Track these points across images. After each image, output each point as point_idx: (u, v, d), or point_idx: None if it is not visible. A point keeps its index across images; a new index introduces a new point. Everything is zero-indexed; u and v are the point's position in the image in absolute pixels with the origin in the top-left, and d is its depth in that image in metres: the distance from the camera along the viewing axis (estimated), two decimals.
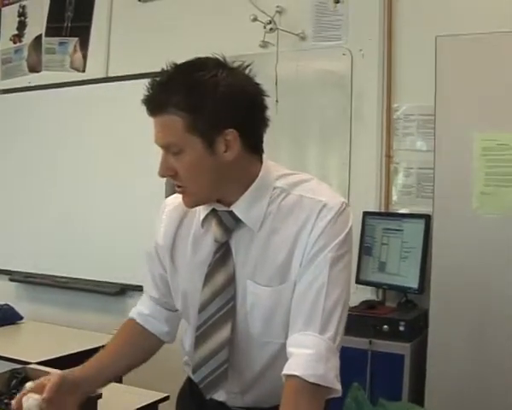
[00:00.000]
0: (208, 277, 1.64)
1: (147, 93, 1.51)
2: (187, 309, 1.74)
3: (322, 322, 1.50)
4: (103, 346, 3.20)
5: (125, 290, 4.36)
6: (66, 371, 1.66)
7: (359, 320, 3.24)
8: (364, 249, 3.59)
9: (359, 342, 3.16)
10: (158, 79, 1.51)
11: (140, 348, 1.85)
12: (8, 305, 3.89)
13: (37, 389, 1.56)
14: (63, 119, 4.81)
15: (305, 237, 1.55)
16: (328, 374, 1.47)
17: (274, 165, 1.66)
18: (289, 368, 1.48)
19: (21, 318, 3.91)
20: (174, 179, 1.55)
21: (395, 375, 3.09)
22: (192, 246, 1.69)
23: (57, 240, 4.76)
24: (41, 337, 3.63)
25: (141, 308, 1.87)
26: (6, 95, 5.19)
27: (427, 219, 3.30)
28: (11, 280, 5.01)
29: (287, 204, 1.59)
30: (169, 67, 1.53)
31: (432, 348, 3.08)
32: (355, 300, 3.50)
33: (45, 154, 4.90)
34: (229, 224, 1.60)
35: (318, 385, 1.46)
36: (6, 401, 1.85)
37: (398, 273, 3.42)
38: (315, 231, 1.54)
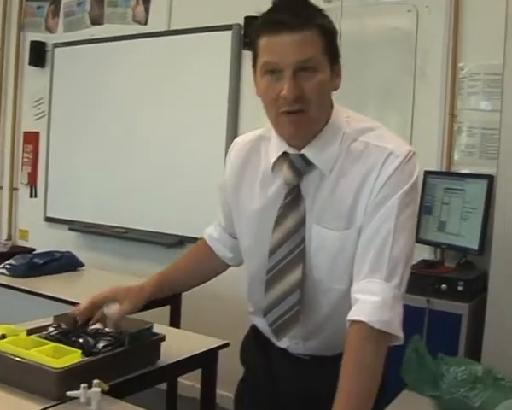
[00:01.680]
0: (279, 220, 1.65)
1: (284, 7, 1.52)
2: (252, 252, 1.76)
3: (388, 269, 1.51)
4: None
5: (183, 242, 4.41)
6: None
7: (417, 279, 3.21)
8: (424, 209, 3.55)
9: (417, 300, 3.15)
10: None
11: (205, 265, 2.01)
12: (69, 252, 3.97)
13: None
14: (125, 71, 4.85)
15: (370, 184, 1.55)
16: (393, 321, 1.48)
17: (343, 109, 1.67)
18: (355, 314, 1.49)
19: (82, 265, 3.98)
20: (298, 102, 1.52)
21: (452, 334, 3.06)
22: (259, 189, 1.71)
23: (116, 191, 4.84)
24: (102, 283, 3.67)
25: (212, 231, 2.00)
26: (68, 47, 5.24)
27: (490, 179, 3.24)
28: (71, 230, 5.12)
29: (354, 150, 1.59)
30: None
31: (490, 309, 3.03)
32: (413, 258, 3.50)
33: (107, 105, 4.96)
34: (301, 167, 1.61)
35: (383, 332, 1.47)
36: (73, 338, 1.90)
37: (459, 234, 3.38)
38: (381, 178, 1.54)
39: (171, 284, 1.99)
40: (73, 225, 5.12)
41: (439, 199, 3.50)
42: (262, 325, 1.81)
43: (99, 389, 1.61)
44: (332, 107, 1.63)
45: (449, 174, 3.59)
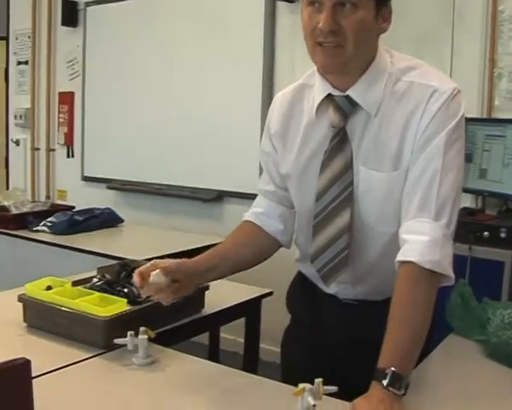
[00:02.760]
0: (325, 163, 1.63)
1: None
2: (300, 198, 1.74)
3: (436, 208, 1.49)
4: (204, 247, 3.27)
5: (221, 197, 4.40)
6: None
7: (459, 226, 3.14)
8: (465, 156, 3.48)
9: (459, 248, 3.06)
10: None
11: (253, 247, 1.84)
12: (109, 209, 4.01)
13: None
14: (157, 27, 4.82)
15: (415, 123, 1.53)
16: (443, 261, 1.47)
17: (387, 49, 1.64)
18: (404, 254, 1.48)
19: (122, 221, 4.03)
20: (334, 36, 1.50)
21: (494, 282, 3.04)
22: (304, 134, 1.68)
23: (153, 148, 4.84)
24: (142, 238, 3.74)
25: (254, 209, 1.87)
26: (100, 6, 5.22)
27: None
28: (109, 188, 5.15)
29: (398, 90, 1.57)
30: None
31: None
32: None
33: (141, 62, 4.94)
34: (346, 108, 1.59)
35: (434, 272, 1.45)
36: (118, 288, 1.92)
37: (500, 181, 3.33)
38: (426, 117, 1.52)
39: (219, 270, 1.79)
40: (111, 184, 5.15)
41: (479, 146, 3.45)
42: (309, 271, 1.80)
43: (146, 336, 1.62)
44: (377, 48, 1.60)
45: (489, 121, 3.53)
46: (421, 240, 1.47)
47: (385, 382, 1.36)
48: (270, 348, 1.97)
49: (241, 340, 2.53)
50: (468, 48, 3.60)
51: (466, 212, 3.38)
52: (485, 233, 3.13)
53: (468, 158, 3.47)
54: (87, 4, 5.30)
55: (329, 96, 1.60)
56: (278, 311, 1.99)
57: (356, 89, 1.57)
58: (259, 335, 2.45)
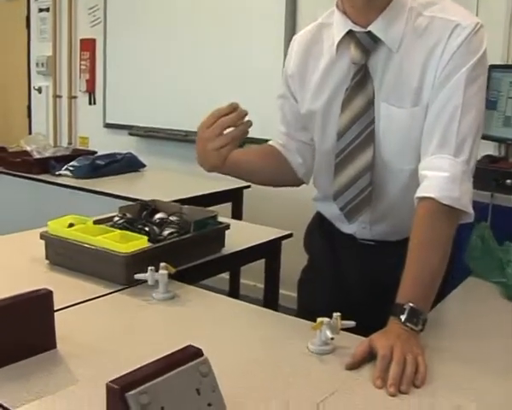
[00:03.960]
0: (346, 101, 1.62)
1: None
2: (322, 136, 1.73)
3: (456, 144, 1.48)
4: (225, 191, 3.25)
5: (242, 144, 4.38)
6: None
7: (481, 173, 3.07)
8: (489, 103, 3.44)
9: (480, 195, 3.08)
10: None
11: (275, 162, 1.87)
12: (131, 153, 4.03)
13: None
14: None
15: (437, 58, 1.51)
16: (463, 197, 1.46)
17: None
18: (424, 190, 1.48)
19: (144, 165, 4.05)
20: None
21: None
22: (324, 73, 1.67)
23: (174, 95, 4.83)
24: (163, 182, 3.76)
25: (275, 140, 1.89)
26: None
27: None
28: (130, 135, 5.17)
29: (420, 25, 1.55)
30: None
31: None
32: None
33: (162, 9, 4.90)
34: (368, 45, 1.57)
35: (453, 208, 1.45)
36: (139, 226, 1.93)
37: None
38: (447, 51, 1.50)
39: (244, 166, 1.80)
40: (133, 130, 5.16)
41: (504, 93, 3.40)
42: (329, 210, 1.81)
43: (166, 272, 1.64)
44: None
45: None
46: (441, 176, 1.46)
47: (403, 317, 1.37)
48: (289, 293, 1.99)
49: (261, 286, 2.56)
50: None
51: (488, 159, 3.35)
52: (508, 181, 3.11)
53: (493, 105, 3.43)
54: None
55: (350, 32, 1.59)
56: (298, 256, 1.99)
57: (377, 24, 1.55)
58: (279, 278, 2.47)
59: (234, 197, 3.54)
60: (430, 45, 1.52)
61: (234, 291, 3.41)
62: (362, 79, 1.60)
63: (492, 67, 3.43)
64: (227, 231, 2.10)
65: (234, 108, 1.53)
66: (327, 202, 1.76)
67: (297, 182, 1.91)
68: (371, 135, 1.60)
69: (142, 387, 0.91)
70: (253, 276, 2.49)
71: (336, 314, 1.38)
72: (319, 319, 1.36)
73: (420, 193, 1.48)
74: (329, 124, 1.68)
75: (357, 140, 1.61)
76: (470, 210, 1.49)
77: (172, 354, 1.01)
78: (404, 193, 1.60)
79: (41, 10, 5.91)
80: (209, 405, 0.99)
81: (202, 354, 1.02)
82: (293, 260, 2.07)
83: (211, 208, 2.20)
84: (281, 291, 2.56)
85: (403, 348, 1.30)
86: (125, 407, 0.89)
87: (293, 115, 1.81)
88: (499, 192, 3.11)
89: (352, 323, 1.40)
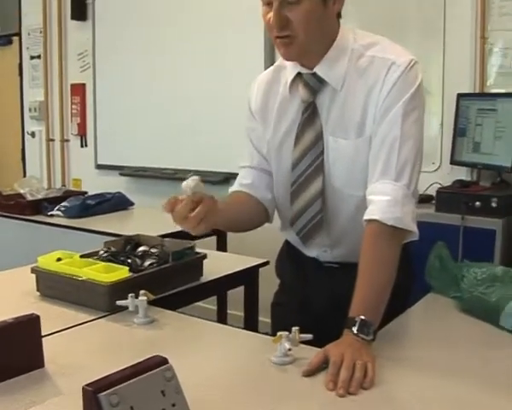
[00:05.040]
0: (298, 136, 1.80)
1: None
2: (279, 168, 1.89)
3: (397, 171, 1.64)
4: None
5: (228, 179, 4.55)
6: None
7: (452, 198, 3.35)
8: (459, 131, 3.63)
9: (452, 219, 3.26)
10: None
11: (248, 209, 1.94)
12: (120, 192, 4.19)
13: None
14: (162, 16, 5.00)
15: (376, 93, 1.68)
16: (404, 217, 1.62)
17: (349, 28, 1.78)
18: (369, 213, 1.64)
19: (132, 204, 4.20)
20: (285, 30, 1.65)
21: (487, 249, 3.16)
22: (279, 111, 1.85)
23: (162, 134, 5.02)
24: (150, 219, 3.87)
25: (241, 180, 1.98)
26: None
27: None
28: (121, 175, 5.34)
29: (362, 64, 1.72)
30: None
31: None
32: (449, 179, 3.61)
33: (148, 52, 5.12)
34: (314, 85, 1.76)
35: (396, 228, 1.61)
36: (122, 258, 2.09)
37: (492, 153, 3.45)
38: (385, 87, 1.67)
39: (225, 217, 1.82)
40: (124, 171, 5.34)
41: (472, 120, 3.57)
42: (291, 236, 1.97)
43: (145, 298, 1.79)
44: (338, 27, 1.76)
45: (481, 95, 3.66)
46: (384, 199, 1.63)
47: (354, 329, 1.52)
48: (268, 320, 2.12)
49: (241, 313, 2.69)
50: (460, 25, 3.73)
51: (460, 184, 3.51)
52: (477, 203, 3.26)
53: (462, 132, 3.62)
54: None
55: (299, 74, 1.77)
56: (276, 283, 2.14)
57: (321, 66, 1.73)
58: (258, 303, 2.61)
59: (218, 230, 3.69)
60: (370, 83, 1.69)
61: (221, 322, 3.53)
62: (311, 115, 1.78)
63: (461, 96, 3.64)
64: (207, 261, 2.26)
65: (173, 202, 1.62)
66: (289, 229, 1.92)
67: (267, 220, 1.99)
68: (321, 165, 1.78)
69: (112, 389, 1.06)
70: (241, 307, 2.62)
71: (295, 328, 1.53)
72: (279, 333, 1.51)
73: (366, 216, 1.64)
74: (285, 156, 1.85)
75: (308, 170, 1.79)
76: (413, 229, 1.65)
77: (140, 362, 1.16)
78: (357, 217, 1.74)
79: (32, 57, 6.13)
80: (173, 405, 1.14)
81: (167, 362, 1.17)
82: (272, 288, 2.19)
83: (197, 242, 2.34)
84: (261, 318, 2.68)
85: (353, 355, 1.44)
86: (97, 407, 1.04)
87: (261, 144, 1.94)
88: (470, 214, 3.24)
89: (309, 336, 1.55)
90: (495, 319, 1.77)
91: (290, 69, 1.81)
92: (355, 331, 1.52)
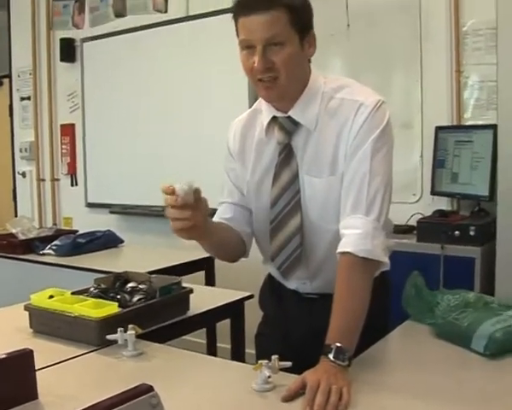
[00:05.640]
0: (276, 176, 1.90)
1: None
2: (259, 207, 1.99)
3: (367, 205, 1.74)
4: (200, 259, 3.37)
5: (213, 215, 4.64)
6: None
7: (432, 228, 3.45)
8: (438, 162, 3.75)
9: (432, 248, 3.35)
10: None
11: (231, 239, 2.00)
12: (110, 230, 4.27)
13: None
14: (149, 58, 5.11)
15: (346, 133, 1.79)
16: (375, 249, 1.72)
17: (321, 73, 1.90)
18: (342, 246, 1.74)
19: (122, 241, 4.29)
20: (269, 72, 1.74)
21: (467, 277, 3.24)
22: (256, 153, 1.95)
23: (152, 172, 5.07)
24: (140, 256, 3.97)
25: (221, 215, 2.03)
26: (95, 41, 5.52)
27: (495, 129, 3.37)
28: (111, 213, 5.43)
29: (332, 106, 1.83)
30: None
31: (500, 250, 3.17)
32: (430, 210, 3.72)
33: (135, 92, 5.23)
34: (289, 127, 1.86)
35: (367, 259, 1.70)
36: (112, 294, 2.18)
37: (470, 183, 3.56)
38: (354, 127, 1.78)
39: (213, 238, 1.90)
40: (113, 208, 5.43)
41: (450, 152, 3.69)
42: (273, 270, 2.06)
43: (133, 332, 1.88)
44: (310, 72, 1.87)
45: (457, 127, 3.78)
46: (355, 233, 1.72)
47: (330, 355, 1.60)
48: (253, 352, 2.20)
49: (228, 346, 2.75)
50: (436, 61, 3.87)
51: (440, 214, 3.60)
52: (456, 232, 3.35)
53: (441, 164, 3.73)
54: (83, 40, 5.61)
55: (274, 117, 1.88)
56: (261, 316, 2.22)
57: (295, 110, 1.84)
58: (244, 335, 2.69)
59: (206, 266, 3.78)
60: (340, 123, 1.80)
61: (210, 355, 3.61)
62: (287, 156, 1.88)
63: (439, 129, 3.76)
64: (194, 295, 2.35)
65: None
66: (270, 263, 2.01)
67: (244, 254, 2.05)
68: (298, 203, 1.88)
69: None
70: (229, 339, 2.69)
71: (274, 357, 1.62)
72: (259, 362, 1.60)
73: (340, 249, 1.74)
74: (264, 195, 1.94)
75: (287, 207, 1.89)
76: (384, 260, 1.75)
77: (127, 390, 1.25)
78: (333, 250, 1.81)
79: (23, 99, 6.24)
80: None
81: (153, 390, 1.26)
82: (259, 319, 2.27)
83: (185, 277, 2.43)
84: (248, 350, 2.74)
85: (329, 380, 1.53)
86: None
87: (240, 183, 2.03)
88: (449, 244, 3.33)
89: (288, 364, 1.64)
90: (467, 343, 1.85)
91: (265, 113, 1.91)
92: (331, 358, 1.60)
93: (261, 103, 1.95)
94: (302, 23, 1.77)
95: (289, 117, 1.86)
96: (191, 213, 1.67)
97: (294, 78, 1.80)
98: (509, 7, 3.11)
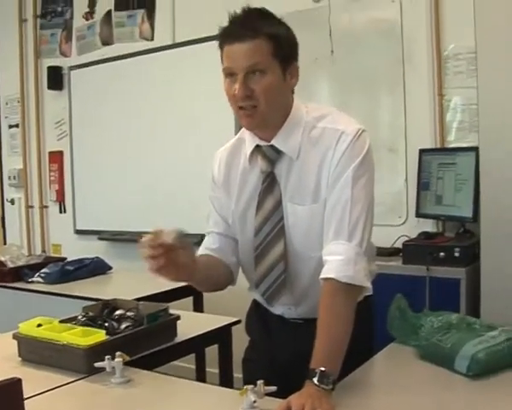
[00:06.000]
0: (259, 204, 1.94)
1: (237, 21, 1.81)
2: (243, 234, 2.02)
3: (349, 231, 1.78)
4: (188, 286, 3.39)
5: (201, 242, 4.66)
6: None
7: (417, 250, 3.48)
8: (422, 185, 3.79)
9: (418, 270, 3.38)
10: (248, 11, 1.83)
11: (218, 272, 2.04)
12: (98, 257, 4.28)
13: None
14: (137, 86, 5.15)
15: (328, 161, 1.83)
16: (357, 274, 1.75)
17: (303, 103, 1.94)
18: (325, 272, 1.77)
19: (110, 268, 4.30)
20: (249, 100, 1.79)
21: (452, 298, 3.27)
22: (241, 181, 1.98)
23: (140, 198, 5.12)
24: (128, 283, 3.99)
25: (208, 245, 2.08)
26: (83, 69, 5.56)
27: (477, 151, 3.40)
28: (100, 239, 5.44)
29: (314, 135, 1.87)
30: (247, 9, 1.83)
31: (484, 271, 3.18)
32: (416, 232, 3.75)
33: (123, 119, 5.26)
34: (272, 156, 1.90)
35: (350, 284, 1.74)
36: (99, 322, 2.20)
37: (454, 204, 3.60)
38: (336, 156, 1.82)
39: (198, 275, 1.92)
40: (102, 235, 5.44)
41: (434, 174, 3.74)
42: (258, 296, 2.09)
43: (121, 360, 1.90)
44: (292, 101, 1.91)
45: (441, 150, 3.83)
46: (338, 259, 1.76)
47: (315, 379, 1.63)
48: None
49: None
50: (418, 85, 3.92)
51: (425, 236, 3.64)
52: (441, 254, 3.37)
53: (425, 186, 3.78)
54: (70, 68, 5.65)
55: (258, 146, 1.92)
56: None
57: (278, 138, 1.88)
58: (232, 361, 2.71)
59: (195, 292, 3.79)
60: (322, 152, 1.84)
61: (200, 380, 3.62)
62: (270, 184, 1.92)
63: (422, 152, 3.81)
64: (182, 322, 2.37)
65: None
66: (255, 289, 2.04)
67: (232, 282, 2.09)
68: (282, 230, 1.91)
69: None
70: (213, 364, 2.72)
71: (260, 381, 1.64)
72: (245, 387, 1.63)
73: (323, 275, 1.77)
74: (248, 223, 1.98)
75: (270, 235, 1.92)
76: (367, 284, 1.78)
77: None
78: (316, 276, 1.84)
79: (11, 126, 6.25)
80: None
81: None
82: (246, 344, 2.30)
83: (174, 303, 2.46)
84: (236, 375, 2.75)
85: (313, 404, 1.55)
86: None
87: (224, 212, 2.06)
88: (434, 265, 3.36)
89: (273, 388, 1.66)
90: (451, 364, 1.88)
91: (249, 142, 1.95)
92: (316, 382, 1.63)
93: (245, 132, 1.99)
94: (285, 54, 1.81)
95: (272, 146, 1.89)
96: (163, 250, 1.76)
97: (274, 106, 1.83)
98: (486, 32, 3.16)
